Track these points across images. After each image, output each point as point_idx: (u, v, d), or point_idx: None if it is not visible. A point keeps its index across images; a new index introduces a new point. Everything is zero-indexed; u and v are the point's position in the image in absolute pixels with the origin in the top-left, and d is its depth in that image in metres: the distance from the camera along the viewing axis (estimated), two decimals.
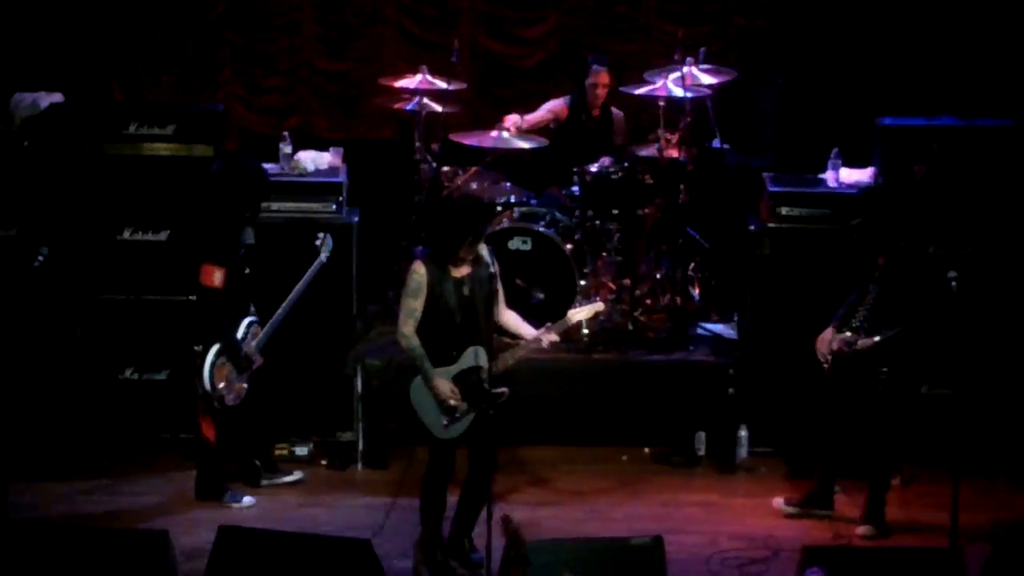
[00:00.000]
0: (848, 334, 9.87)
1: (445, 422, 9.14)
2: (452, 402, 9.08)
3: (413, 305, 9.14)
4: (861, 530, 9.95)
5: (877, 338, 9.78)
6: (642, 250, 11.56)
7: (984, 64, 12.45)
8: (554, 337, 9.28)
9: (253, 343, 10.18)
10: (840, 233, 10.63)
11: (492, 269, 9.10)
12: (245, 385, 10.17)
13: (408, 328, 9.14)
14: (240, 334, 10.12)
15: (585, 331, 11.06)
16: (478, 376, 9.11)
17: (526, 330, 9.35)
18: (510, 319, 9.40)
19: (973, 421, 10.75)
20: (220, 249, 10.06)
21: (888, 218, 9.90)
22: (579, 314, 9.35)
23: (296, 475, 10.61)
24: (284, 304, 10.25)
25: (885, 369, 9.83)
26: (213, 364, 10.03)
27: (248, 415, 10.29)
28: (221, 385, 10.06)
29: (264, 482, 10.48)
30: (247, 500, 10.28)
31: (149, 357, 11.17)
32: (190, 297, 10.84)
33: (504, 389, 9.06)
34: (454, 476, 9.35)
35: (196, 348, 10.09)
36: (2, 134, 11.26)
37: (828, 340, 9.94)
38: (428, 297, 9.12)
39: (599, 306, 9.52)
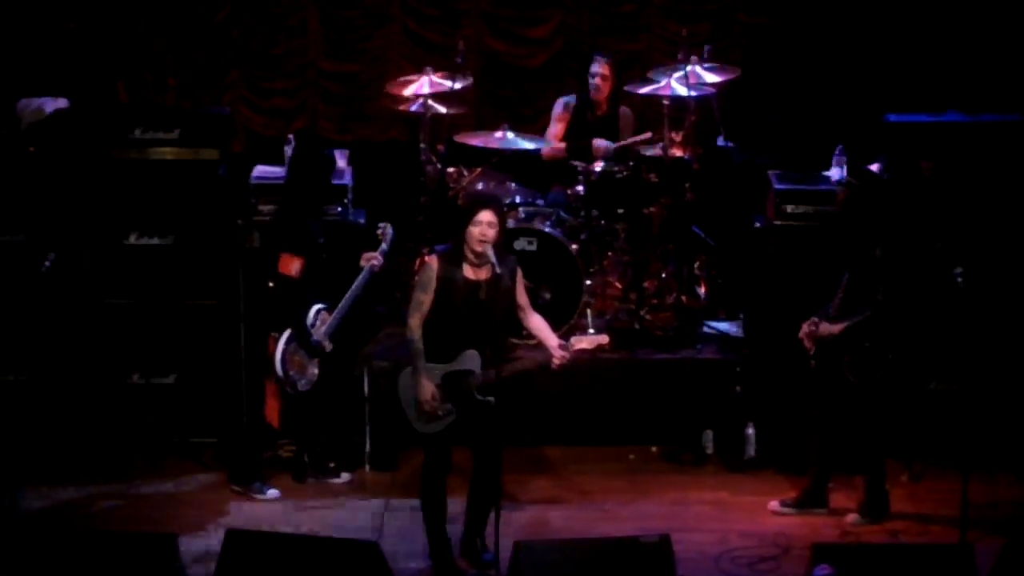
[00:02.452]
0: (815, 320, 9.89)
1: (424, 419, 9.15)
2: (427, 408, 9.10)
3: (420, 298, 9.16)
4: (850, 518, 9.96)
5: (844, 324, 9.80)
6: (649, 249, 11.56)
7: (989, 59, 12.43)
8: (565, 355, 9.19)
9: (323, 329, 10.23)
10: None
11: (510, 280, 9.14)
12: (316, 371, 10.23)
13: (414, 321, 9.16)
14: (310, 321, 10.19)
15: (591, 330, 11.06)
16: (468, 380, 9.11)
17: (548, 338, 9.31)
18: (534, 323, 9.38)
19: (982, 417, 10.73)
20: (299, 238, 10.13)
21: (863, 205, 9.90)
22: (582, 343, 9.25)
23: (345, 477, 10.64)
24: (349, 292, 10.27)
25: (847, 357, 9.85)
26: (285, 350, 10.10)
27: (319, 401, 10.40)
28: (293, 371, 10.12)
29: (310, 480, 10.52)
30: (271, 492, 10.36)
31: (156, 361, 11.17)
32: (197, 302, 10.88)
33: (491, 398, 9.05)
34: (464, 475, 9.37)
35: (272, 335, 10.13)
36: (8, 139, 11.27)
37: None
38: (437, 293, 9.13)
39: (603, 339, 9.34)
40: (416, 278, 9.33)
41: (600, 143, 11.62)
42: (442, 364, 9.15)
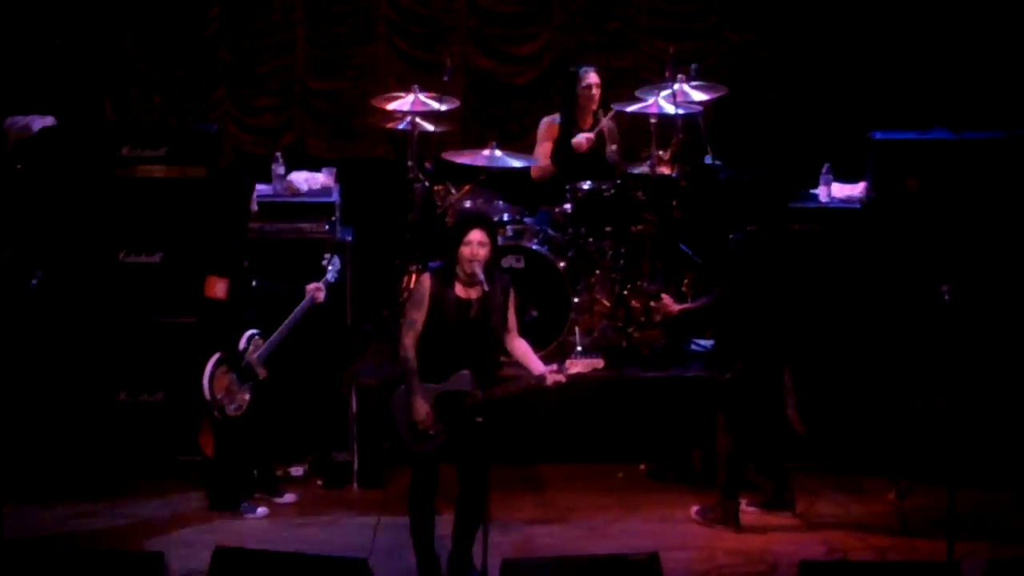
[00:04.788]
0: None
1: (417, 438, 9.15)
2: (421, 428, 9.09)
3: (413, 316, 9.15)
4: (693, 508, 10.20)
5: (683, 306, 10.31)
6: (636, 266, 11.57)
7: (974, 76, 12.47)
8: (560, 378, 9.18)
9: (256, 355, 10.22)
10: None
11: (503, 297, 9.15)
12: (247, 396, 10.21)
13: (408, 339, 9.14)
14: (242, 345, 10.17)
15: (579, 348, 11.07)
16: (461, 402, 9.10)
17: (533, 364, 9.31)
18: (519, 348, 9.36)
19: (969, 433, 10.75)
20: (222, 260, 10.14)
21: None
22: (576, 366, 9.21)
23: (288, 498, 10.61)
24: (288, 319, 10.28)
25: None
26: (212, 373, 10.09)
27: (251, 428, 10.32)
28: (220, 395, 10.11)
29: (256, 496, 10.49)
30: (260, 511, 10.35)
31: (144, 379, 11.16)
32: (185, 320, 10.87)
33: (481, 419, 9.05)
34: (449, 494, 9.37)
35: (199, 359, 10.13)
36: None
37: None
38: (429, 311, 9.12)
39: (598, 363, 9.29)
40: (408, 296, 9.31)
41: (580, 138, 11.63)
42: (435, 384, 9.15)
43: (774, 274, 10.02)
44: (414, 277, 11.33)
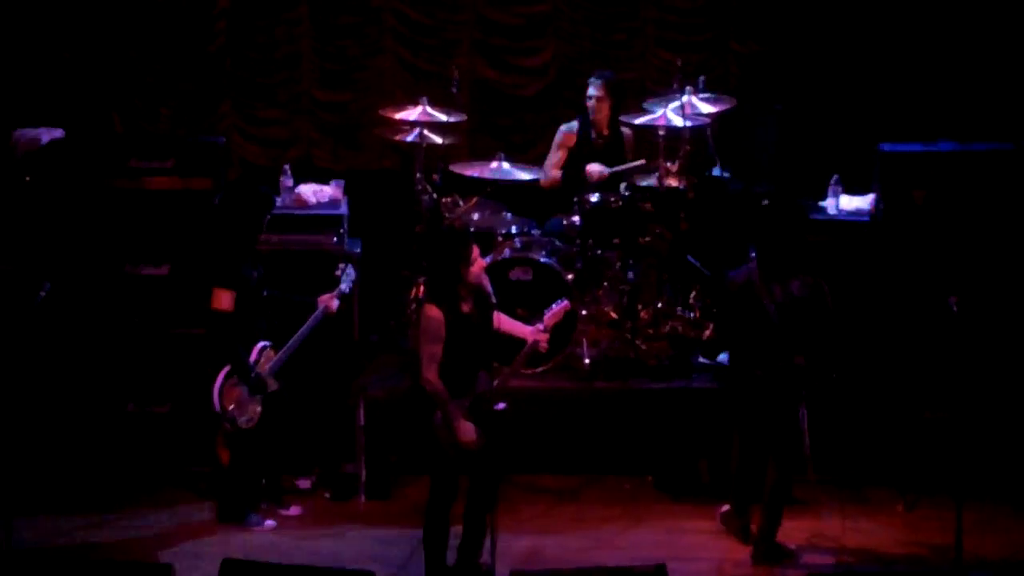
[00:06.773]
0: None
1: (466, 455, 9.17)
2: (473, 447, 9.12)
3: (434, 350, 9.15)
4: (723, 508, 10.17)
5: None
6: (644, 278, 11.58)
7: (981, 88, 12.48)
8: (546, 336, 9.39)
9: (267, 367, 10.22)
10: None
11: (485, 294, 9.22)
12: (259, 408, 10.22)
13: (431, 374, 9.14)
14: (253, 358, 10.17)
15: (587, 360, 11.09)
16: (487, 401, 9.16)
17: (518, 329, 9.49)
18: (502, 322, 9.50)
19: (976, 445, 10.73)
20: (229, 272, 10.14)
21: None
22: (552, 319, 9.43)
23: (294, 510, 10.60)
24: (300, 331, 10.28)
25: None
26: (222, 385, 10.09)
27: (262, 439, 10.32)
28: (231, 407, 10.11)
29: (263, 506, 10.49)
30: (268, 523, 10.35)
31: (153, 391, 11.17)
32: (192, 331, 10.88)
33: (503, 404, 9.10)
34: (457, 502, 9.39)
35: (209, 371, 10.15)
36: (4, 169, 11.28)
37: None
38: (446, 339, 9.16)
39: (565, 304, 9.52)
40: (419, 330, 9.28)
41: (594, 168, 11.64)
42: (463, 398, 9.19)
43: (770, 307, 9.86)
44: (421, 289, 11.33)
